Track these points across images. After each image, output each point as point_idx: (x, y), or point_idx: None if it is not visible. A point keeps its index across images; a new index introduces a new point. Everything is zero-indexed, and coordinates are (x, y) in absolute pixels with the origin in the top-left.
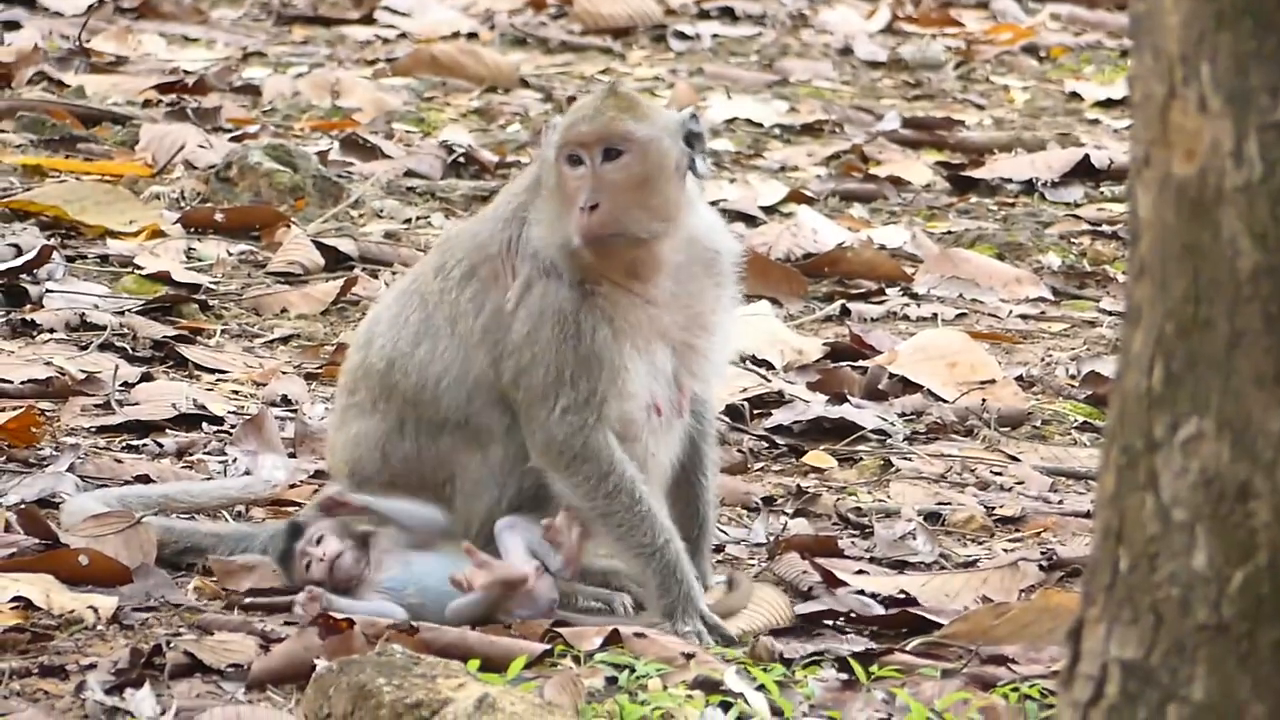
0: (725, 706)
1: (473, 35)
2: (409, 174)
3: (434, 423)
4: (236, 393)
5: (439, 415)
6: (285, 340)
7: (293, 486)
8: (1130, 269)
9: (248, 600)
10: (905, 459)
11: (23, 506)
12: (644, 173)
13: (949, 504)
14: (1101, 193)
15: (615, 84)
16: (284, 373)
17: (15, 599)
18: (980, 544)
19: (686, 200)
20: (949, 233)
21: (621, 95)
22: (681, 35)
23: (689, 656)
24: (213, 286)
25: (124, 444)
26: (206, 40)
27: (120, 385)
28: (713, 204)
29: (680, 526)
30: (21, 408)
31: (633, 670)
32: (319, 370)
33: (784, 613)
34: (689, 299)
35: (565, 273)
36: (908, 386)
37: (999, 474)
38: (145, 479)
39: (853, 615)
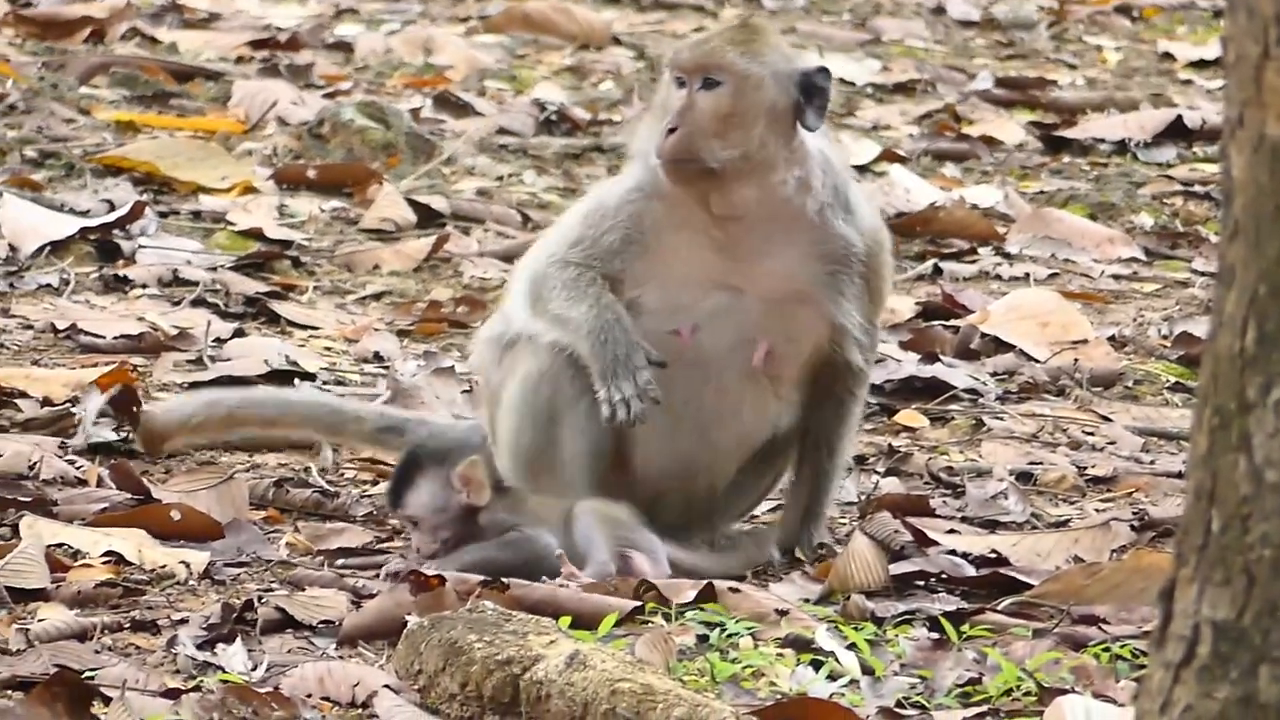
0: (816, 665)
1: None
2: (501, 131)
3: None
4: (329, 349)
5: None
6: (377, 297)
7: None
8: (1223, 230)
9: (339, 562)
10: (997, 418)
11: (115, 461)
12: (735, 106)
13: (1041, 464)
14: (1194, 153)
15: (749, 16)
16: (376, 329)
17: (107, 554)
18: (1072, 504)
19: (789, 152)
20: (1041, 192)
21: (746, 27)
22: None
23: (782, 613)
24: (305, 243)
25: None
26: None
27: (213, 341)
28: None
29: (800, 489)
30: (114, 363)
31: (724, 628)
32: (411, 327)
33: (877, 572)
34: (776, 263)
35: (651, 183)
36: (1000, 346)
37: (1091, 434)
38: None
39: (944, 575)
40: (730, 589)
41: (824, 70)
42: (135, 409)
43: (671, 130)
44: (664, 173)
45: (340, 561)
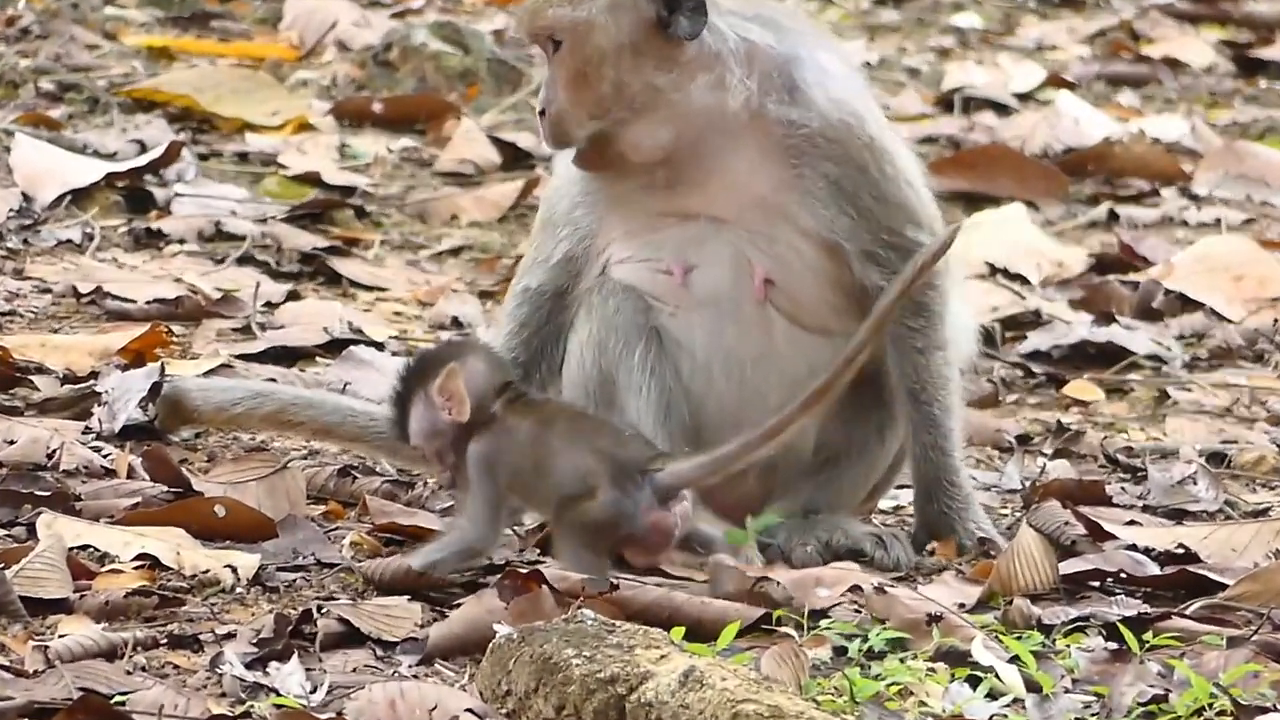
0: (973, 682)
1: None
2: None
3: None
4: (399, 313)
5: None
6: (455, 252)
7: None
8: None
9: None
10: (1184, 389)
11: (148, 448)
12: (583, 61)
13: (1235, 442)
14: None
15: None
16: (454, 290)
17: (140, 557)
18: (1272, 489)
19: (679, 70)
20: (1234, 123)
21: None
22: None
23: (935, 620)
24: (370, 189)
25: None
26: None
27: (262, 306)
28: (954, 91)
29: (913, 464)
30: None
31: (864, 639)
32: (494, 287)
33: (1044, 572)
34: (727, 177)
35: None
36: (1186, 304)
37: None
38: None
39: (1123, 574)
40: (876, 588)
41: None
42: (160, 379)
43: (542, 113)
44: (572, 161)
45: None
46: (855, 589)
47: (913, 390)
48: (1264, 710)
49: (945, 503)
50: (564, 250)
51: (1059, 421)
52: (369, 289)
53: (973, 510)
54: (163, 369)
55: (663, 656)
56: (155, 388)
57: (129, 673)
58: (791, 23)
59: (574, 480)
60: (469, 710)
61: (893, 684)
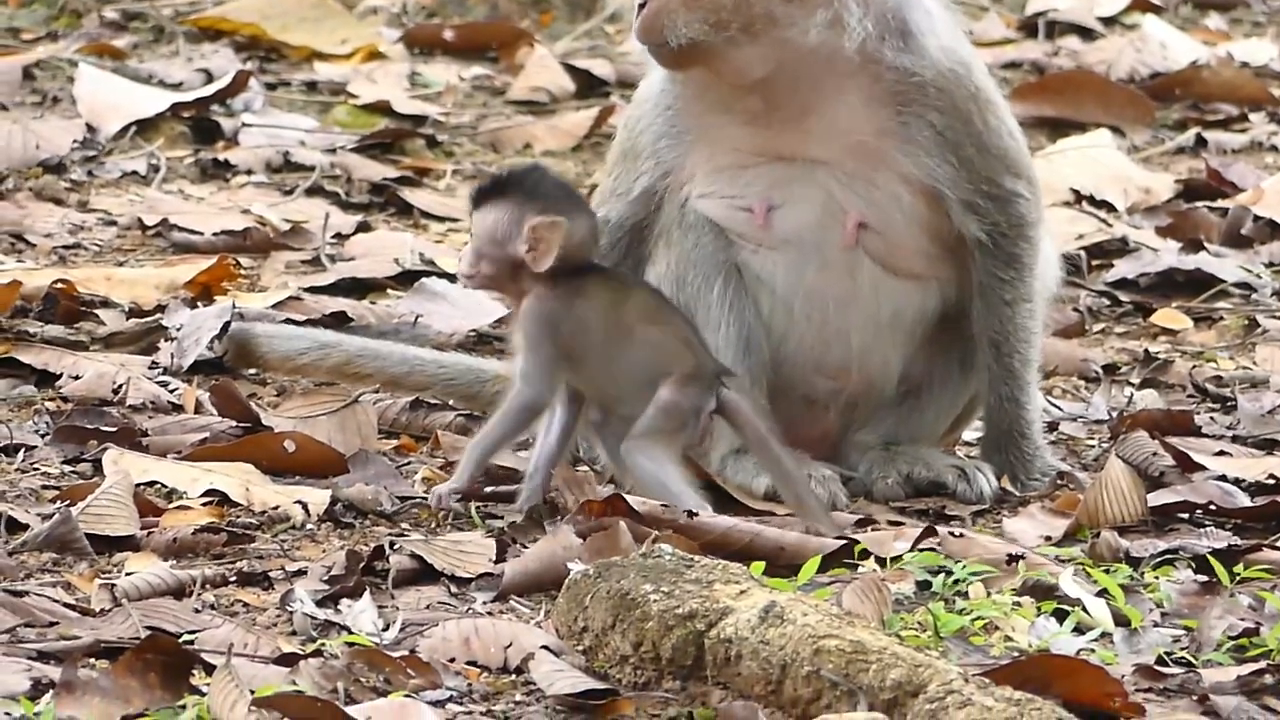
0: (1060, 616)
1: None
2: None
3: None
4: None
5: None
6: None
7: None
8: None
9: (488, 490)
10: (1273, 317)
11: (216, 382)
12: None
13: None
14: None
15: None
16: None
17: (209, 493)
18: None
19: (802, 2)
20: None
21: None
22: None
23: (1016, 559)
24: (441, 119)
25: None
26: None
27: (332, 237)
28: (1037, 15)
29: (986, 413)
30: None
31: (949, 573)
32: None
33: (1133, 503)
34: (827, 119)
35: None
36: (1275, 231)
37: None
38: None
39: (1212, 506)
40: (954, 534)
41: None
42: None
43: (642, 6)
44: (653, 57)
45: (488, 490)
46: (930, 531)
47: (995, 340)
48: None
49: (1014, 453)
50: (645, 183)
51: (1146, 351)
52: (440, 220)
53: (1041, 462)
54: (234, 308)
55: (742, 592)
56: (225, 327)
57: (197, 611)
58: None
59: (647, 361)
60: (544, 647)
61: (978, 618)
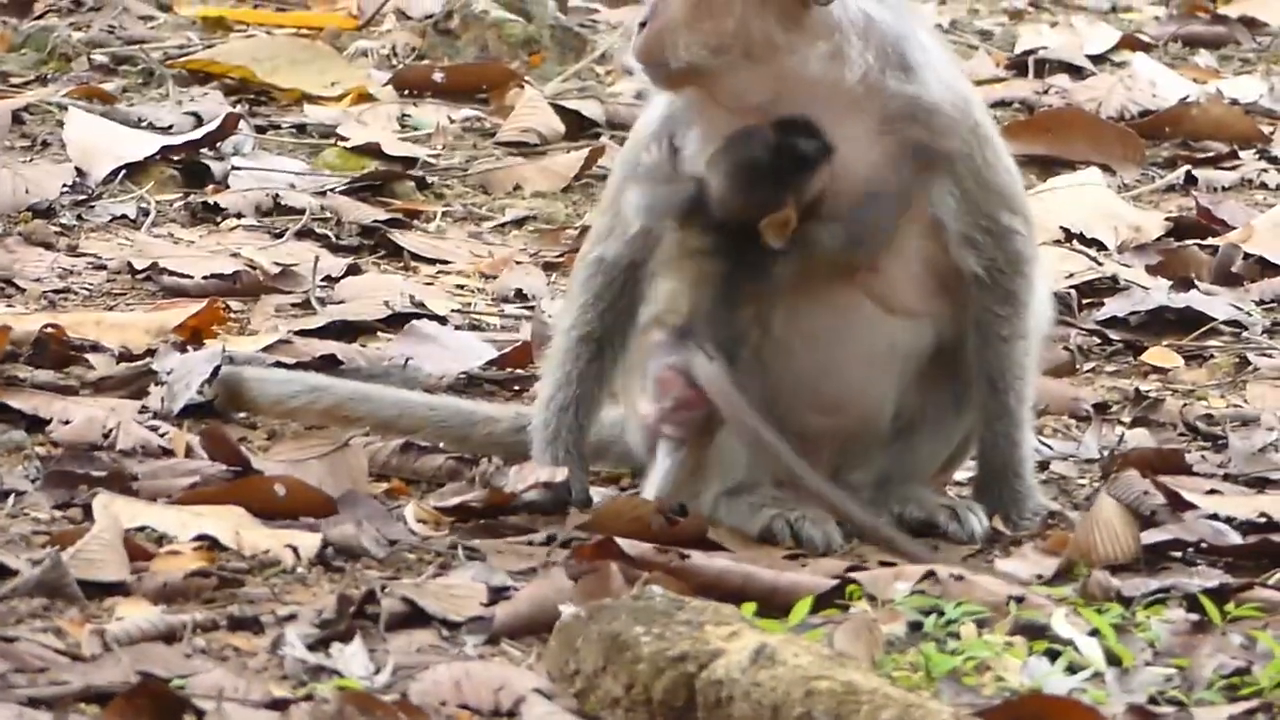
0: (1052, 655)
1: None
2: None
3: None
4: (461, 287)
5: None
6: (519, 223)
7: None
8: None
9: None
10: (1265, 355)
11: (206, 426)
12: None
13: None
14: None
15: None
16: (518, 262)
17: (199, 538)
18: None
19: (799, 31)
20: None
21: None
22: None
23: (1017, 600)
24: (431, 160)
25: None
26: None
27: (322, 280)
28: (1027, 53)
29: (980, 449)
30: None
31: (941, 614)
32: (559, 259)
33: (1124, 542)
34: (838, 150)
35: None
36: (1266, 268)
37: None
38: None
39: (1204, 544)
40: (955, 577)
41: None
42: (221, 362)
43: (643, 25)
44: (649, 78)
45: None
46: (930, 576)
47: (991, 377)
48: None
49: (1007, 492)
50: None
51: (1137, 389)
52: (431, 262)
53: (1033, 501)
54: (224, 352)
55: (733, 633)
56: (216, 371)
57: (188, 656)
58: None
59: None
60: (536, 690)
61: (970, 659)
